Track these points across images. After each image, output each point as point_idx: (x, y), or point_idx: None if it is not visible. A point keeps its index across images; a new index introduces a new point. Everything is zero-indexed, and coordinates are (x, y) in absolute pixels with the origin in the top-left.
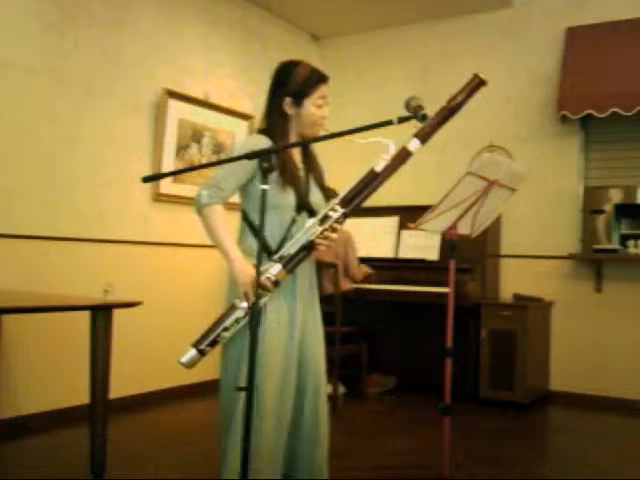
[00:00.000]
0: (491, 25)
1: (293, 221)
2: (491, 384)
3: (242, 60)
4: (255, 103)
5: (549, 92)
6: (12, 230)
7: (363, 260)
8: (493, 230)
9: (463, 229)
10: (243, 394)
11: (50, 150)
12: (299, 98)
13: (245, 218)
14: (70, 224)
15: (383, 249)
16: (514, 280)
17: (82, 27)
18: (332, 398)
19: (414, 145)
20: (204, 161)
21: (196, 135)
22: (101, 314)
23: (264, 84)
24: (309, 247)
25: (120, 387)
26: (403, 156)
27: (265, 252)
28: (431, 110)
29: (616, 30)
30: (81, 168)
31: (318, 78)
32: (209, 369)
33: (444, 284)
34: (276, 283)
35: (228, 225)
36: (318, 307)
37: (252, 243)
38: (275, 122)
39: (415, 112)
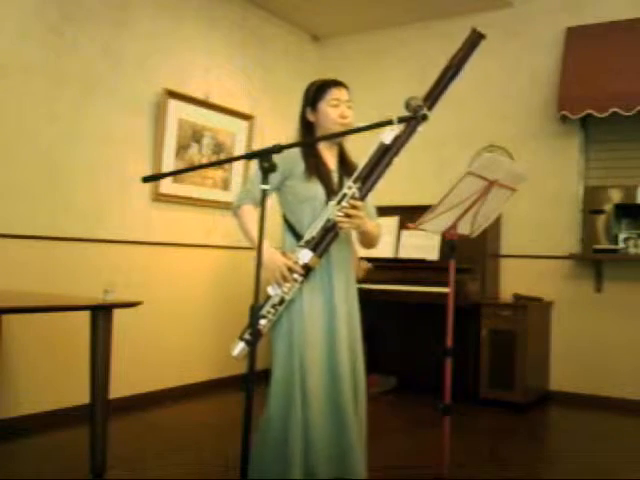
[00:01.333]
0: (491, 25)
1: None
2: (491, 384)
3: (242, 60)
4: (255, 103)
5: (549, 92)
6: (12, 230)
7: (361, 259)
8: (493, 230)
9: (463, 229)
10: (294, 387)
11: (50, 150)
12: (315, 103)
13: (285, 219)
14: (70, 224)
15: (383, 249)
16: (514, 280)
17: (82, 27)
18: None
19: (423, 110)
20: (204, 161)
21: (196, 135)
22: (101, 314)
23: (264, 84)
24: (332, 227)
25: (120, 387)
26: (412, 124)
27: (297, 241)
28: (431, 110)
29: (616, 30)
30: (81, 168)
31: (330, 83)
32: (209, 369)
33: (444, 284)
34: (306, 268)
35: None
36: (356, 299)
37: (291, 240)
38: (301, 132)
39: (415, 112)
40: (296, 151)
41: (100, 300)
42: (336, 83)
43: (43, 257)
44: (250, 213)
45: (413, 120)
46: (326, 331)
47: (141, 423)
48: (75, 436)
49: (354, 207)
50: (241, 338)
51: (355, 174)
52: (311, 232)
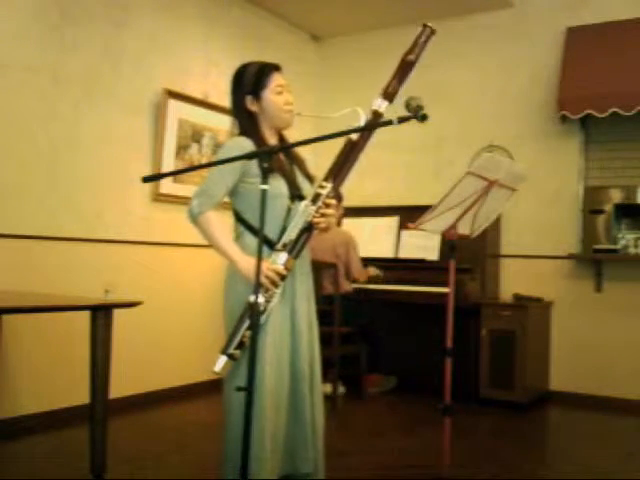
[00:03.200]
0: (491, 25)
1: (289, 210)
2: (491, 384)
3: (242, 60)
4: None
5: (549, 92)
6: (12, 230)
7: (363, 260)
8: (493, 230)
9: (463, 229)
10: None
11: (50, 150)
12: (257, 92)
13: (239, 218)
14: (70, 224)
15: (383, 249)
16: (514, 280)
17: (82, 27)
18: (332, 398)
19: (381, 105)
20: (204, 161)
21: (196, 135)
22: (101, 314)
23: None
24: (309, 228)
25: (120, 387)
26: (375, 118)
27: (267, 246)
28: (430, 110)
29: (616, 30)
30: (81, 168)
31: (269, 68)
32: (209, 369)
33: (444, 284)
34: (286, 270)
35: (225, 228)
36: (313, 300)
37: (250, 241)
38: (244, 123)
39: (415, 112)
40: (247, 147)
41: (100, 300)
42: (276, 67)
43: (43, 257)
44: (214, 220)
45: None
46: (288, 332)
47: (141, 423)
48: (75, 436)
49: (328, 206)
50: (224, 353)
51: (327, 172)
52: (289, 235)
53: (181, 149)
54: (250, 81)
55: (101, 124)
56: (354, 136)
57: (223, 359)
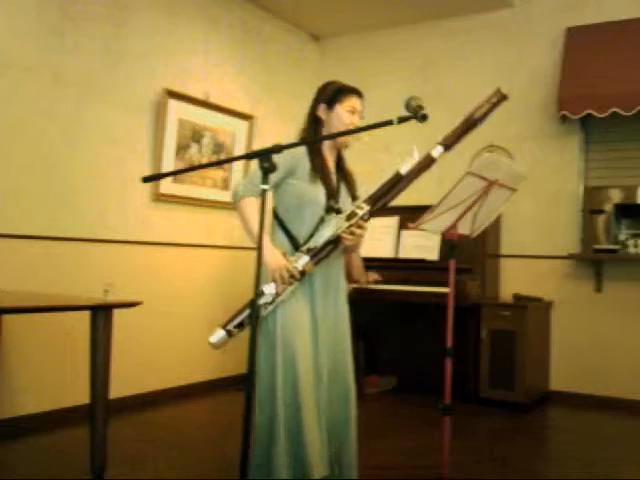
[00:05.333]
0: (491, 25)
1: (321, 220)
2: (491, 384)
3: (242, 60)
4: (255, 103)
5: (549, 92)
6: (12, 230)
7: (363, 260)
8: (493, 230)
9: (463, 229)
10: (276, 387)
11: (50, 150)
12: (331, 103)
13: (275, 215)
14: (70, 224)
15: (383, 249)
16: (514, 280)
17: (82, 27)
18: None
19: (437, 152)
20: (204, 161)
21: (196, 135)
22: (101, 314)
23: (264, 84)
24: (335, 241)
25: (120, 387)
26: (427, 162)
27: (293, 246)
28: (430, 110)
29: (616, 30)
30: (81, 168)
31: (350, 90)
32: (209, 369)
33: (444, 284)
34: (302, 273)
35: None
36: (342, 301)
37: (282, 238)
38: (308, 126)
39: (415, 112)
40: (302, 149)
41: (100, 300)
42: (358, 92)
43: (43, 257)
44: (253, 205)
45: (412, 119)
46: (310, 330)
47: (141, 423)
48: (75, 436)
49: (360, 227)
50: (223, 327)
51: (367, 195)
52: (316, 241)
53: (181, 149)
54: (330, 92)
55: (101, 124)
56: (402, 170)
57: (221, 333)
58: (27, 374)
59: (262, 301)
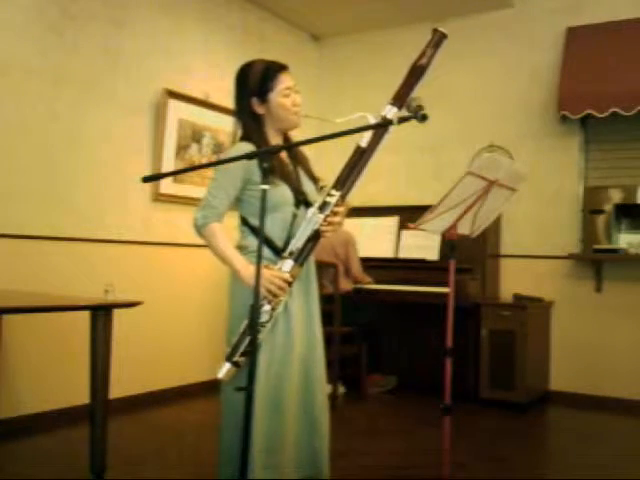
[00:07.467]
0: (491, 25)
1: (294, 217)
2: (491, 384)
3: (242, 60)
4: None
5: (549, 92)
6: (12, 230)
7: (363, 260)
8: (493, 230)
9: (463, 229)
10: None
11: (50, 150)
12: (263, 94)
13: (245, 223)
14: (70, 224)
15: (383, 249)
16: (514, 280)
17: (82, 27)
18: (332, 398)
19: (391, 112)
20: (204, 161)
21: (196, 135)
22: (101, 314)
23: None
24: (316, 236)
25: (120, 387)
26: (384, 125)
27: (273, 252)
28: (431, 110)
29: (616, 30)
30: (81, 168)
31: (276, 69)
32: (209, 369)
33: (444, 284)
34: (292, 278)
35: (228, 239)
36: (316, 302)
37: (252, 240)
38: (249, 126)
39: (415, 112)
40: (246, 153)
41: (100, 300)
42: (283, 67)
43: (43, 257)
44: (218, 231)
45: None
46: (305, 337)
47: (141, 423)
48: (75, 436)
49: (336, 214)
50: (228, 360)
51: (335, 180)
52: (296, 243)
53: (181, 149)
54: (256, 82)
55: (101, 124)
56: (362, 143)
57: (227, 366)
58: (27, 374)
59: (261, 320)
